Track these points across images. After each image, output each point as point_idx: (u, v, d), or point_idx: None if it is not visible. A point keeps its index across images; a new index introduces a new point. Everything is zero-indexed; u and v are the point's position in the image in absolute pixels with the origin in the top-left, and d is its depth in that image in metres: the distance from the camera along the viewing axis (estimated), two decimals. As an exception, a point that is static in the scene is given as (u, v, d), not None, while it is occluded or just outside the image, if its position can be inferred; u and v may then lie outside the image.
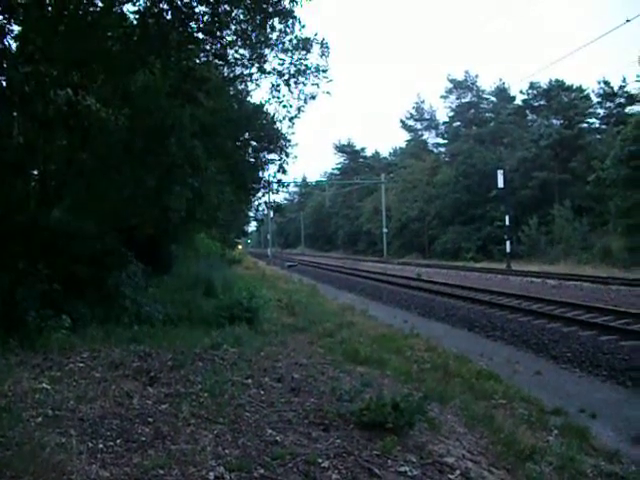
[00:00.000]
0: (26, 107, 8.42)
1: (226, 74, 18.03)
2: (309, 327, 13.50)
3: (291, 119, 21.14)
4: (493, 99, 79.03)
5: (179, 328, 11.36)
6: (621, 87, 59.45)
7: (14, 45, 9.76)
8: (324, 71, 19.84)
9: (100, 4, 10.66)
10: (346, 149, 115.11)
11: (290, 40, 18.59)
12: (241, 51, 17.07)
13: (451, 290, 25.03)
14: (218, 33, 12.24)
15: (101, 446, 4.78)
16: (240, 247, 66.33)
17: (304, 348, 10.64)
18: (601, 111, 62.64)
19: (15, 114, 9.38)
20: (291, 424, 5.69)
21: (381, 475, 4.70)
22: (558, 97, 59.79)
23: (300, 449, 5.02)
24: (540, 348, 13.23)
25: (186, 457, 4.67)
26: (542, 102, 64.32)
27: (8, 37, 9.55)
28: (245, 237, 66.24)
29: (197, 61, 12.50)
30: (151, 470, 4.40)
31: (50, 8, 10.34)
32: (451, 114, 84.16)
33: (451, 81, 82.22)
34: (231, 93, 19.74)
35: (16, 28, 9.77)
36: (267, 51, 18.32)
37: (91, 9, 10.60)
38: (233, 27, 13.95)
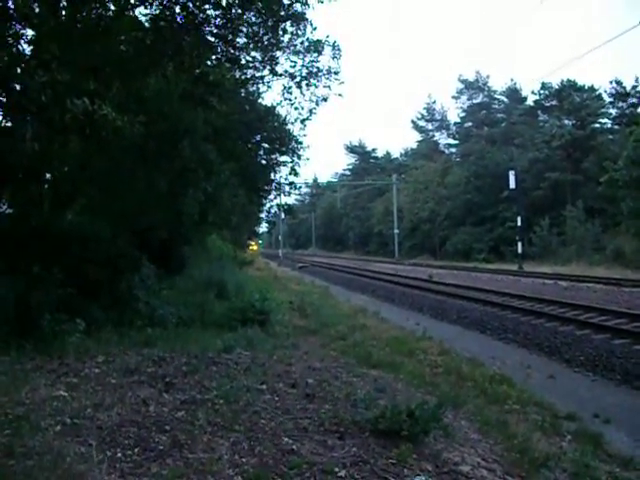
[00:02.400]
0: (42, 115, 8.46)
1: (238, 76, 18.05)
2: (321, 330, 13.53)
3: (302, 121, 21.31)
4: (504, 100, 78.88)
5: (192, 330, 11.40)
6: (634, 87, 59.36)
7: (28, 49, 9.86)
8: (336, 73, 19.97)
9: (112, 7, 10.73)
10: (357, 150, 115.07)
11: (302, 42, 18.73)
12: (253, 54, 17.10)
13: (463, 292, 24.89)
14: (230, 36, 12.28)
15: (120, 455, 4.79)
16: (255, 247, 66.15)
17: (317, 351, 10.65)
18: (613, 111, 62.46)
19: (29, 119, 9.45)
20: (307, 432, 5.67)
21: (397, 484, 4.70)
22: (570, 97, 59.51)
23: (317, 458, 5.01)
24: (553, 351, 13.14)
25: (204, 466, 4.67)
26: (554, 102, 63.95)
27: (22, 41, 9.65)
28: (256, 238, 66.12)
29: (209, 64, 12.54)
30: (170, 480, 4.44)
31: (64, 12, 10.42)
32: (462, 115, 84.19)
33: (462, 82, 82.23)
34: (242, 95, 19.80)
35: (30, 32, 9.87)
36: (279, 53, 18.35)
37: (103, 13, 10.67)
38: (245, 30, 13.98)
